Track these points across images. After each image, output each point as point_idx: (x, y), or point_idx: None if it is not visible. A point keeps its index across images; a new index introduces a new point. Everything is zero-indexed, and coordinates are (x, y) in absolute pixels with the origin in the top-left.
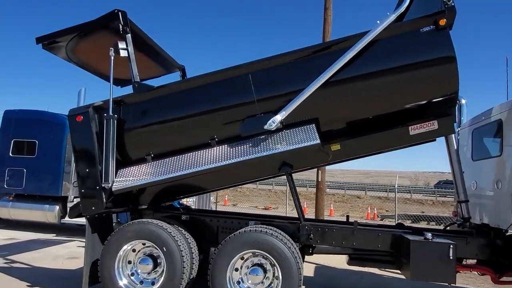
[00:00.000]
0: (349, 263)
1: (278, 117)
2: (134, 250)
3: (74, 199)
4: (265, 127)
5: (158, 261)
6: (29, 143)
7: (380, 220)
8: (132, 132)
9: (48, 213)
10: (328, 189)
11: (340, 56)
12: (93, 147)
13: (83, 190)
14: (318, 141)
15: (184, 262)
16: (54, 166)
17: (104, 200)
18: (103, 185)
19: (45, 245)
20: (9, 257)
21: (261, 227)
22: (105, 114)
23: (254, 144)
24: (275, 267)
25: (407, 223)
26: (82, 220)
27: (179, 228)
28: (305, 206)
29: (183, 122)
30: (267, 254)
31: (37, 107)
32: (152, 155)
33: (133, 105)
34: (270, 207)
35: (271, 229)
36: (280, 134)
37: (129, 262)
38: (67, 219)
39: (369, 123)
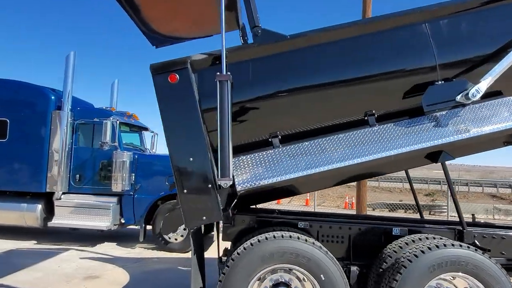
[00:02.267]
0: None
1: (483, 85)
2: (259, 278)
3: (62, 196)
4: (458, 98)
5: None
6: None
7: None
8: (250, 102)
9: (27, 215)
10: None
11: None
12: (198, 123)
13: (185, 191)
14: None
15: None
16: (35, 153)
17: (220, 205)
18: (219, 183)
19: (34, 259)
20: None
21: (440, 239)
22: (217, 73)
23: (440, 122)
24: None
25: (385, 211)
26: (71, 223)
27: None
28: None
29: (328, 89)
30: (475, 280)
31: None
32: (280, 137)
33: (253, 62)
34: None
35: (455, 241)
36: (471, 109)
37: None
38: (56, 222)
39: None
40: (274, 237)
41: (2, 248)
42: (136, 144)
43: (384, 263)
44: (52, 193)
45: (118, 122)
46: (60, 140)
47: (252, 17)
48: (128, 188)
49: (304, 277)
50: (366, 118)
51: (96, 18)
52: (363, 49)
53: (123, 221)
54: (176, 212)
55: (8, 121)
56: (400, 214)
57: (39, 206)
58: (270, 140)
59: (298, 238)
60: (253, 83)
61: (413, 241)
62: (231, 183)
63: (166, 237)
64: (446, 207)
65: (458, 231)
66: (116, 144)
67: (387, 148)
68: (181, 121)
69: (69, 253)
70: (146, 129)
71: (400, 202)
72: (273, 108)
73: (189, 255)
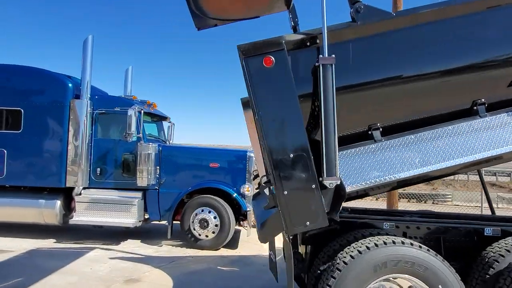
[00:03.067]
0: None
1: None
2: None
3: (83, 191)
4: None
5: None
6: (10, 113)
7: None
8: (348, 89)
9: (46, 211)
10: None
11: None
12: (298, 114)
13: (285, 192)
14: None
15: None
16: (53, 145)
17: (325, 208)
18: (324, 182)
19: (60, 260)
20: None
21: None
22: (320, 56)
23: None
24: None
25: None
26: (95, 220)
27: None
28: None
29: (436, 75)
30: None
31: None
32: (381, 129)
33: (353, 44)
34: None
35: None
36: None
37: None
38: (78, 219)
39: None
40: (385, 243)
41: (21, 248)
42: (155, 135)
43: (491, 268)
44: (71, 188)
45: (142, 111)
46: (79, 131)
47: None
48: (153, 182)
49: (412, 287)
50: (475, 107)
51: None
52: (476, 30)
53: (147, 216)
54: (274, 216)
55: (22, 111)
56: (401, 202)
57: (58, 202)
58: (370, 132)
59: (412, 244)
60: (352, 68)
61: None
62: (338, 182)
63: (196, 233)
64: (450, 196)
65: None
66: (141, 135)
67: (506, 142)
68: (279, 111)
69: (95, 253)
70: (166, 118)
71: (403, 191)
72: (373, 97)
73: (221, 252)
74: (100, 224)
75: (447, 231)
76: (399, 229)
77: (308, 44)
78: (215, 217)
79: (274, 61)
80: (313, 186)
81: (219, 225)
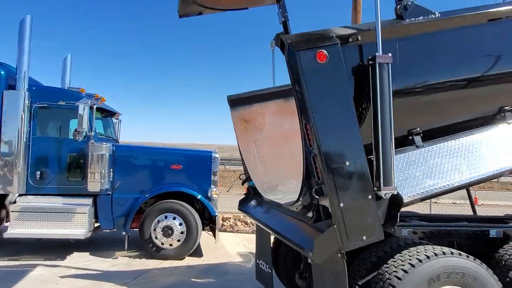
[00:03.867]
0: None
1: None
2: None
3: (18, 198)
4: None
5: None
6: None
7: None
8: (395, 91)
9: None
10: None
11: None
12: (353, 116)
13: (342, 205)
14: None
15: None
16: None
17: (381, 219)
18: (380, 192)
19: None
20: None
21: None
22: (377, 54)
23: None
24: None
25: None
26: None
27: None
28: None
29: (481, 79)
30: None
31: None
32: (422, 134)
33: (400, 43)
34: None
35: None
36: None
37: None
38: (13, 231)
39: None
40: (436, 254)
41: None
42: (102, 132)
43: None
44: (3, 196)
45: (94, 106)
46: (15, 128)
47: None
48: (107, 187)
49: None
50: (504, 113)
51: None
52: None
53: (96, 225)
54: (329, 232)
55: None
56: None
57: None
58: (410, 138)
59: (460, 254)
60: (398, 68)
61: None
62: (395, 192)
63: (158, 242)
64: None
65: None
66: (92, 133)
67: None
68: (334, 112)
69: (39, 271)
70: (115, 114)
71: None
72: (417, 100)
73: (187, 262)
74: (45, 237)
75: (458, 234)
76: (416, 235)
77: (350, 40)
78: (180, 224)
79: (328, 56)
80: (370, 197)
81: (185, 232)
